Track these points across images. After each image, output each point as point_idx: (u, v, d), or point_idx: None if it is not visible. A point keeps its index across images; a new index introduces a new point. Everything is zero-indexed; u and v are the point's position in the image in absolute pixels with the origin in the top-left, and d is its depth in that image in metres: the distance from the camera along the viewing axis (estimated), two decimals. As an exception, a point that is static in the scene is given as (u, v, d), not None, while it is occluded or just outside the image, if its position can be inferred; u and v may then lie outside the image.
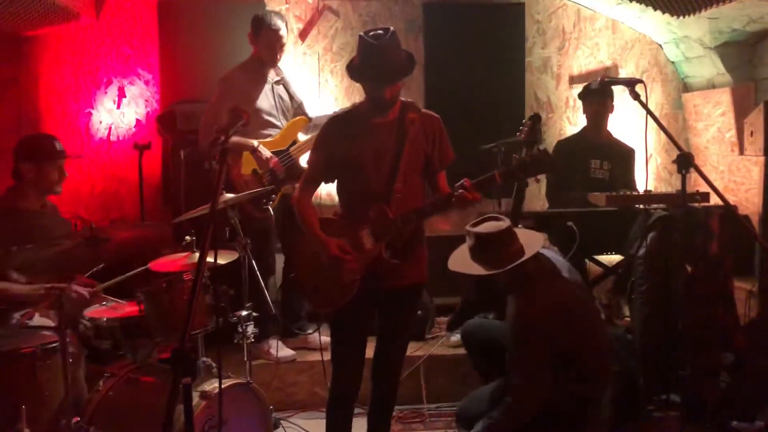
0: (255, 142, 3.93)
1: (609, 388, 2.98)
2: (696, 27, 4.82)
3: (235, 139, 3.93)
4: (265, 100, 4.06)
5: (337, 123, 2.90)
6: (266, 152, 3.94)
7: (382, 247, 2.77)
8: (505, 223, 2.81)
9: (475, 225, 2.85)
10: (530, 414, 2.80)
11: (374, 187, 2.78)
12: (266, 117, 4.03)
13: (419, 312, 4.38)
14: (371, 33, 2.70)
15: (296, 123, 4.16)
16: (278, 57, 4.09)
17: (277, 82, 4.16)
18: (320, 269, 2.82)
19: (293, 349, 4.10)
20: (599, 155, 4.57)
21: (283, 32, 4.04)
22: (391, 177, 2.77)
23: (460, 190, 2.70)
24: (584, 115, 4.67)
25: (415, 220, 2.79)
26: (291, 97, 4.19)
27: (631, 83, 2.86)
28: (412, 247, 2.86)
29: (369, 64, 2.67)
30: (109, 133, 5.10)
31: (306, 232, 2.86)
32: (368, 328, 2.94)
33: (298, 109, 4.27)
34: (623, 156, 4.63)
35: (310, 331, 4.21)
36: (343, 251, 2.75)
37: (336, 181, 2.96)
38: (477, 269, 2.79)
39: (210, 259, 2.42)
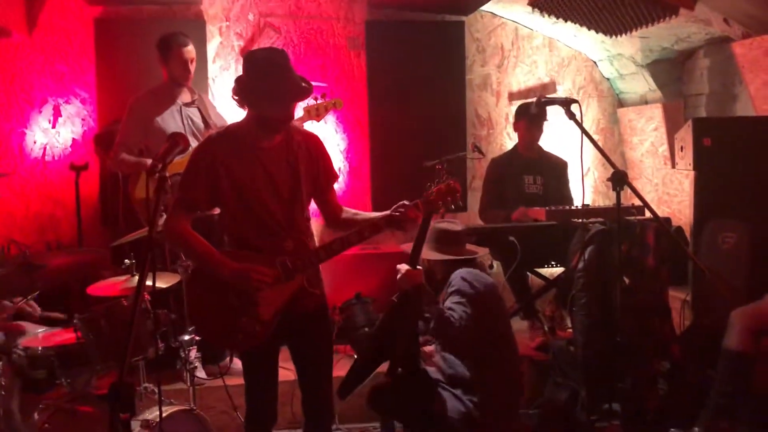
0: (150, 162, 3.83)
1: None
2: (628, 45, 5.00)
3: (130, 159, 3.92)
4: (171, 122, 3.98)
5: (221, 143, 2.63)
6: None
7: (303, 279, 2.64)
8: (460, 226, 3.35)
9: (437, 223, 3.30)
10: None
11: (277, 216, 2.63)
12: None
13: (366, 329, 4.39)
14: (263, 51, 2.64)
15: None
16: (190, 75, 4.06)
17: (188, 104, 4.10)
18: (229, 307, 2.60)
19: (212, 375, 3.92)
20: (532, 171, 4.67)
21: (190, 48, 4.04)
22: (293, 205, 2.65)
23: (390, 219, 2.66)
24: (516, 132, 4.78)
25: (339, 250, 2.66)
26: (204, 120, 4.11)
27: (566, 103, 2.93)
28: (319, 272, 2.79)
29: (274, 82, 2.52)
30: (44, 153, 4.95)
31: (205, 264, 2.61)
32: (277, 356, 2.79)
33: None
34: (556, 169, 4.75)
35: (227, 358, 4.03)
36: (262, 281, 2.54)
37: (221, 210, 2.70)
38: (434, 255, 3.24)
39: (149, 282, 2.38)
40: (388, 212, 2.69)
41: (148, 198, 3.65)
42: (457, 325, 2.91)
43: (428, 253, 3.23)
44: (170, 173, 3.65)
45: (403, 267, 3.05)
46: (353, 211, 2.87)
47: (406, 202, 2.70)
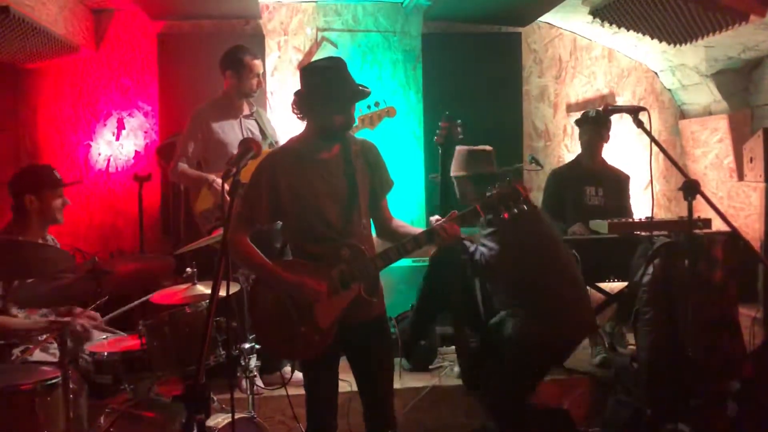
0: (211, 176, 3.87)
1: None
2: (692, 55, 4.87)
3: (191, 172, 3.96)
4: (231, 133, 4.00)
5: (280, 159, 2.69)
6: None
7: (360, 287, 2.64)
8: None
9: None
10: None
11: (336, 225, 2.65)
12: (233, 150, 3.90)
13: (423, 342, 4.36)
14: (318, 61, 2.71)
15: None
16: (255, 88, 4.08)
17: (247, 116, 4.13)
18: (288, 316, 2.64)
19: (270, 384, 3.94)
20: (593, 182, 4.59)
21: (260, 62, 4.09)
22: (350, 214, 2.66)
23: (443, 225, 2.63)
24: (579, 142, 4.70)
25: (394, 258, 2.67)
26: (262, 132, 4.12)
27: (634, 111, 2.87)
28: (378, 281, 2.77)
29: (332, 86, 2.56)
30: (107, 165, 5.09)
31: (263, 277, 2.70)
32: (337, 366, 2.79)
33: (272, 145, 4.12)
34: (617, 182, 4.65)
35: (287, 368, 4.02)
36: (317, 291, 2.58)
37: (283, 222, 2.76)
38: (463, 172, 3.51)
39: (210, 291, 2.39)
40: (432, 228, 2.67)
41: (223, 203, 3.71)
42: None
43: (459, 173, 3.54)
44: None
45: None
46: (401, 222, 2.88)
47: (456, 212, 2.68)
